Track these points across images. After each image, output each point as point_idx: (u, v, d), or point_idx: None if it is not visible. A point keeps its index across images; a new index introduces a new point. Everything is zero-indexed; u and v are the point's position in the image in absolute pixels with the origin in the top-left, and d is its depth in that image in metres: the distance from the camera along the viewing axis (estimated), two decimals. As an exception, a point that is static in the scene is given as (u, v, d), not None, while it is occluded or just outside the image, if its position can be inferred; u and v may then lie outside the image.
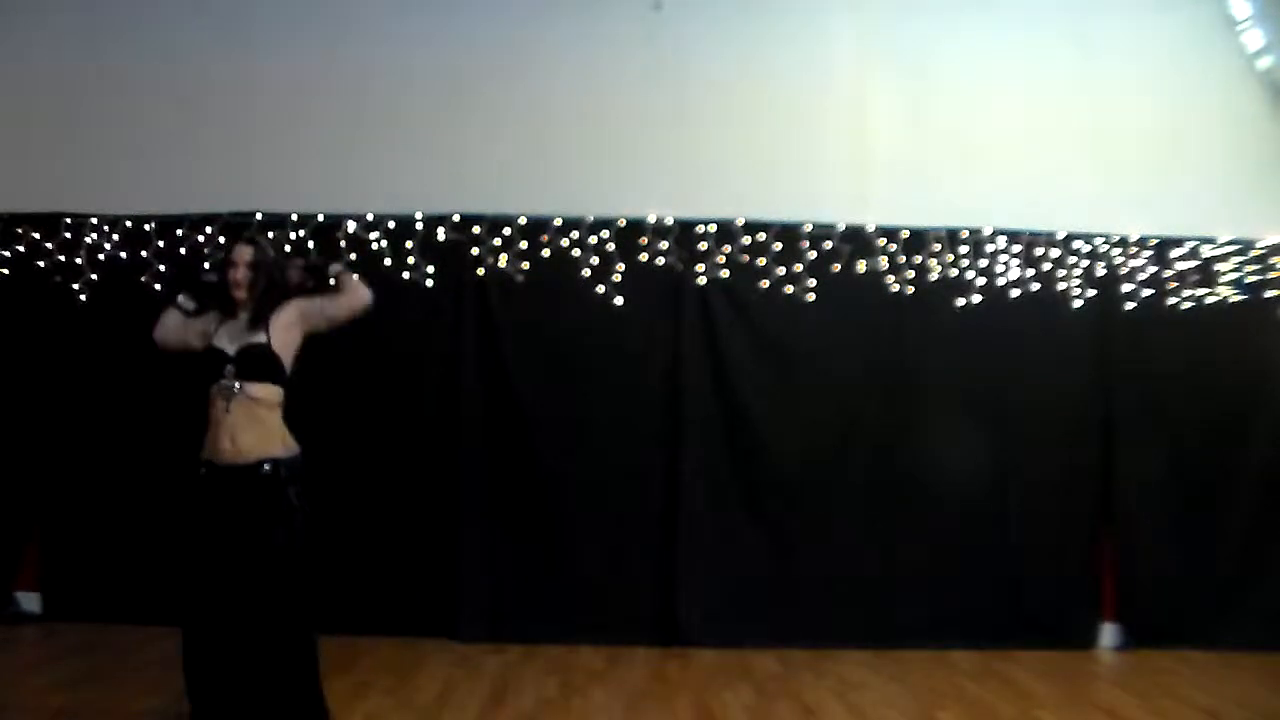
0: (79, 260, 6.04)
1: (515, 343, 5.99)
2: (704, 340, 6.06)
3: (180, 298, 3.84)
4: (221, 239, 6.00)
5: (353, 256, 5.89)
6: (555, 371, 6.00)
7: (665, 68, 6.19)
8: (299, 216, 6.00)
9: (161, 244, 6.03)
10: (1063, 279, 6.15)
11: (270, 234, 5.98)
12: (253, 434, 3.57)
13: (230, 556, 3.51)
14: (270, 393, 3.66)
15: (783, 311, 6.04)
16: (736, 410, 6.06)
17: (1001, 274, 6.13)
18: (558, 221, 6.01)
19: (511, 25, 6.23)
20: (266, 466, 3.56)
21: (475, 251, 6.00)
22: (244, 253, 3.77)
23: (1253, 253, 6.19)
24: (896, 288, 6.08)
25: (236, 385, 3.59)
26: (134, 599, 5.90)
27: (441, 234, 6.00)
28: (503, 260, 5.99)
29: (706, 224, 6.04)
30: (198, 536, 3.57)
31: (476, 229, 6.01)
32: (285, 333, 3.72)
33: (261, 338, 3.67)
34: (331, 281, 3.83)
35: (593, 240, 6.01)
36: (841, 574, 5.95)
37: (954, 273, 6.11)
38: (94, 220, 6.07)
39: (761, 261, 6.05)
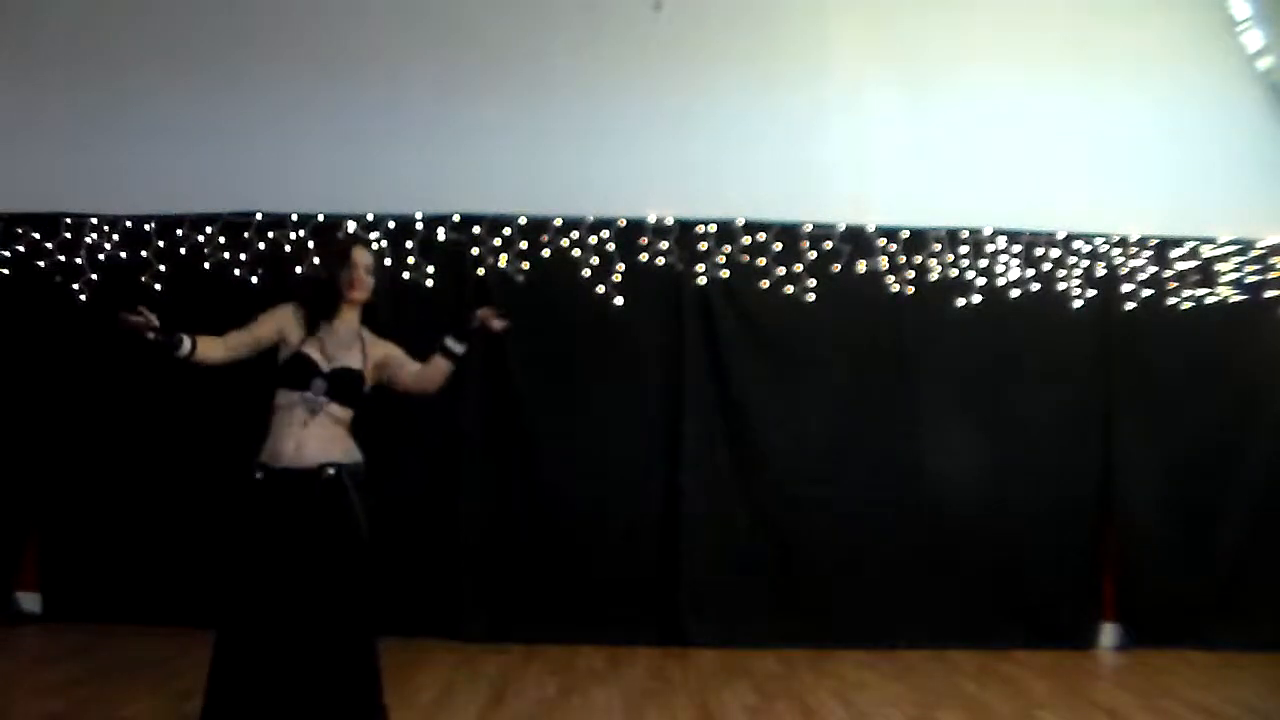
0: (79, 260, 6.04)
1: (515, 343, 5.99)
2: (704, 340, 6.06)
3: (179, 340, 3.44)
4: (221, 239, 6.02)
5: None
6: (555, 371, 6.00)
7: (665, 68, 6.20)
8: (299, 216, 6.00)
9: (161, 244, 6.03)
10: (1063, 279, 6.15)
11: (270, 234, 6.00)
12: (317, 442, 3.48)
13: (292, 560, 3.38)
14: (348, 414, 3.59)
15: (783, 311, 6.04)
16: (736, 410, 6.06)
17: (1001, 274, 6.13)
18: (558, 221, 6.01)
19: (511, 25, 6.23)
20: (329, 471, 3.46)
21: (475, 251, 6.00)
22: (367, 256, 3.63)
23: (1253, 253, 6.19)
24: (896, 288, 6.08)
25: (323, 401, 3.48)
26: (134, 599, 5.91)
27: (441, 234, 6.01)
28: (503, 260, 5.99)
29: (706, 224, 6.04)
30: (254, 541, 3.43)
31: (476, 229, 6.01)
32: (373, 371, 3.63)
33: (357, 362, 3.57)
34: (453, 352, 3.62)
35: (593, 240, 6.01)
36: (841, 574, 5.95)
37: (954, 273, 6.11)
38: (94, 220, 6.07)
39: (761, 261, 6.05)
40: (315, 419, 3.48)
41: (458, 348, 3.59)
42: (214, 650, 3.41)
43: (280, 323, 3.58)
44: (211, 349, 3.52)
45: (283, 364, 3.55)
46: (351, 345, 3.59)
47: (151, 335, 3.34)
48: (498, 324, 3.62)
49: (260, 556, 3.40)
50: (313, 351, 3.53)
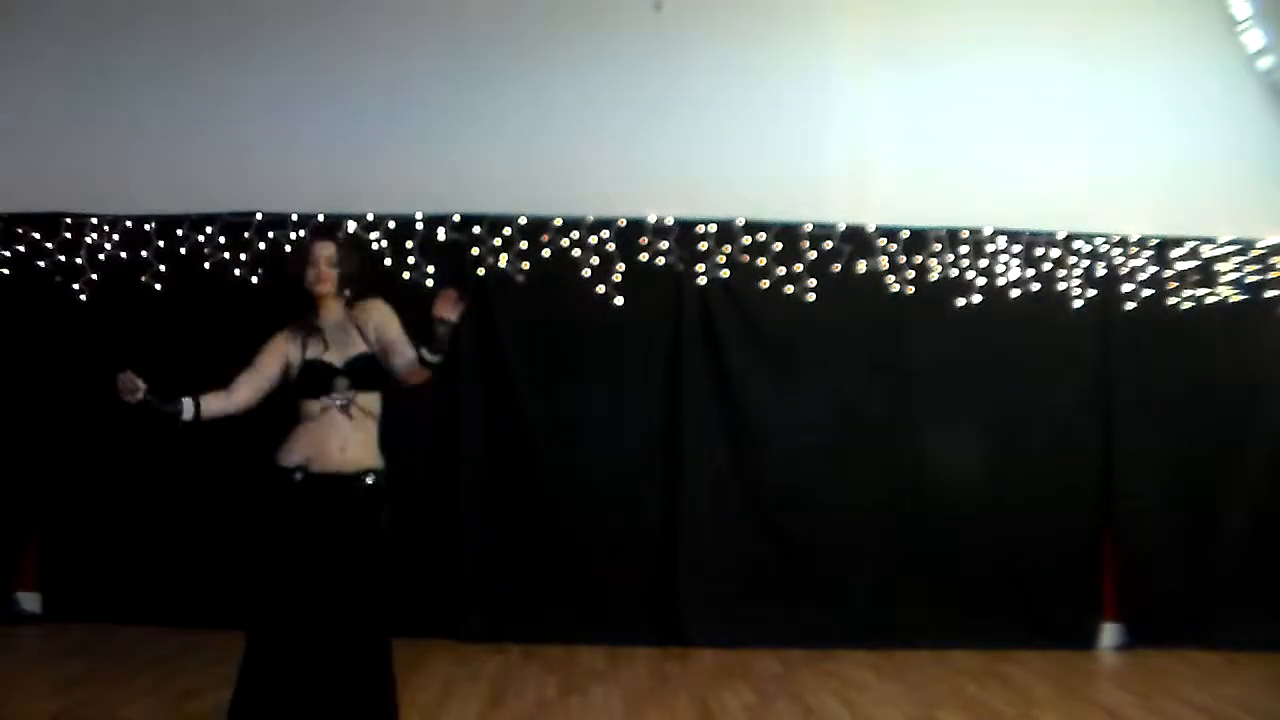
0: (79, 260, 6.04)
1: (515, 343, 5.99)
2: (704, 340, 6.06)
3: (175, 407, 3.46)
4: (222, 239, 6.02)
5: (353, 256, 5.90)
6: (555, 371, 6.00)
7: (665, 68, 6.19)
8: (299, 216, 6.00)
9: (161, 244, 6.03)
10: (1063, 279, 6.15)
11: (270, 234, 6.00)
12: (361, 444, 3.50)
13: (325, 562, 3.41)
14: (374, 402, 3.58)
15: (783, 311, 6.04)
16: (736, 410, 6.07)
17: (1001, 274, 6.12)
18: (558, 221, 6.01)
19: (511, 25, 6.23)
20: (370, 479, 3.50)
21: (475, 251, 6.00)
22: (326, 248, 3.59)
23: (1253, 253, 6.19)
24: (896, 288, 6.08)
25: (350, 396, 3.49)
26: (134, 599, 5.91)
27: (441, 234, 6.01)
28: (503, 260, 5.99)
29: (706, 224, 6.03)
30: (289, 543, 3.44)
31: (476, 229, 6.01)
32: (377, 347, 3.61)
33: (362, 346, 3.57)
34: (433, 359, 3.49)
35: (593, 240, 6.01)
36: (841, 574, 5.96)
37: (954, 273, 6.11)
38: (94, 220, 6.07)
39: (761, 261, 6.04)
40: (350, 418, 3.49)
41: (432, 358, 3.52)
42: (245, 649, 3.45)
43: (283, 350, 3.59)
44: (218, 403, 3.50)
45: (298, 378, 3.55)
46: (348, 333, 3.60)
47: (139, 397, 3.33)
48: (452, 312, 3.46)
49: (295, 558, 3.42)
50: (319, 355, 3.54)
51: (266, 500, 3.51)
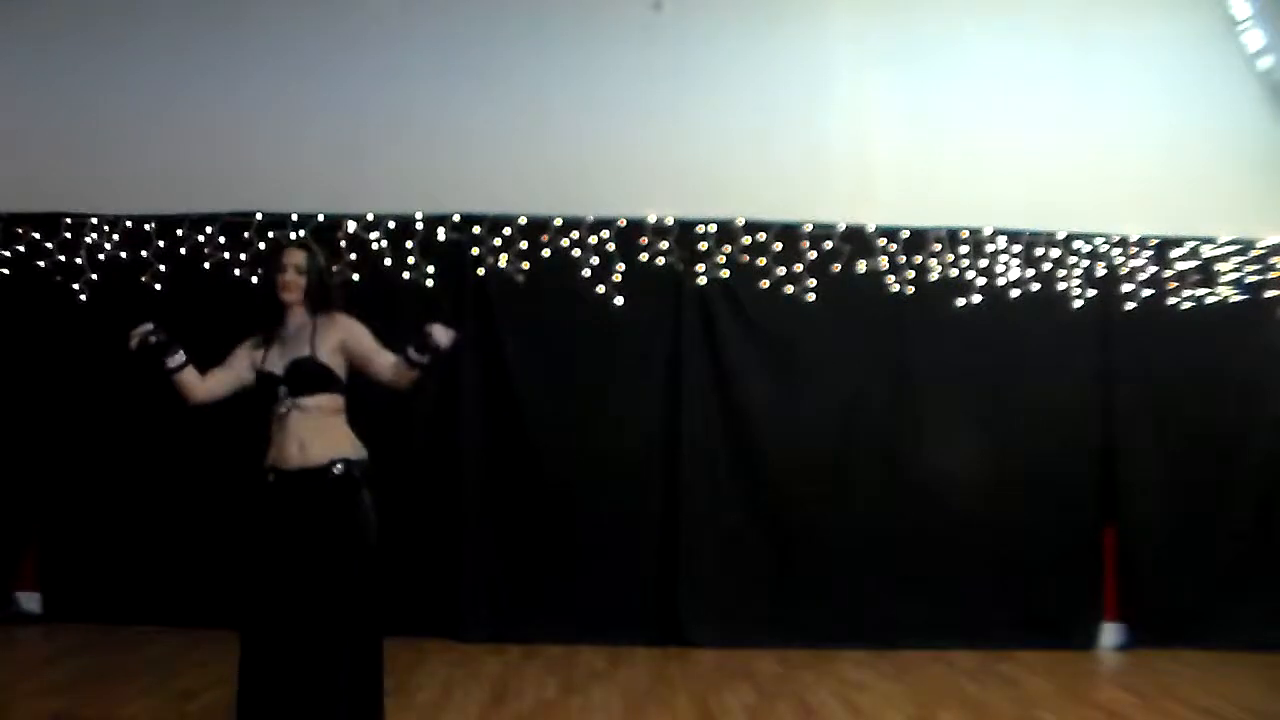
0: (79, 260, 6.05)
1: (515, 343, 6.00)
2: (704, 340, 6.06)
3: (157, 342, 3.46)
4: (222, 239, 6.02)
5: (353, 256, 5.91)
6: (555, 371, 6.01)
7: (665, 68, 6.20)
8: (299, 216, 6.01)
9: (161, 244, 6.04)
10: (1063, 279, 6.15)
11: (270, 234, 6.00)
12: (320, 439, 3.51)
13: (302, 560, 3.44)
14: (327, 401, 3.57)
15: (783, 311, 6.04)
16: (736, 410, 6.07)
17: (1001, 274, 6.13)
18: (558, 221, 6.01)
19: (511, 25, 6.23)
20: (338, 467, 3.50)
21: (475, 251, 6.00)
22: (295, 256, 3.61)
23: (1253, 253, 6.20)
24: (896, 288, 6.09)
25: (291, 402, 3.51)
26: (134, 599, 5.91)
27: (441, 234, 6.01)
28: (503, 260, 5.99)
29: (706, 224, 6.04)
30: (266, 542, 3.49)
31: (476, 229, 6.01)
32: (331, 356, 3.58)
33: (306, 350, 3.56)
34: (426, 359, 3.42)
35: (593, 240, 6.01)
36: (841, 574, 5.95)
37: (954, 273, 6.11)
38: (94, 220, 6.08)
39: (761, 261, 6.05)
40: (299, 419, 3.51)
41: (419, 358, 3.47)
42: (240, 653, 3.47)
43: (250, 354, 3.66)
44: (193, 378, 3.56)
45: (257, 386, 3.62)
46: (300, 337, 3.61)
47: (153, 339, 3.42)
48: (443, 339, 3.40)
49: (276, 558, 3.46)
50: (267, 364, 3.59)
51: (248, 503, 3.58)
